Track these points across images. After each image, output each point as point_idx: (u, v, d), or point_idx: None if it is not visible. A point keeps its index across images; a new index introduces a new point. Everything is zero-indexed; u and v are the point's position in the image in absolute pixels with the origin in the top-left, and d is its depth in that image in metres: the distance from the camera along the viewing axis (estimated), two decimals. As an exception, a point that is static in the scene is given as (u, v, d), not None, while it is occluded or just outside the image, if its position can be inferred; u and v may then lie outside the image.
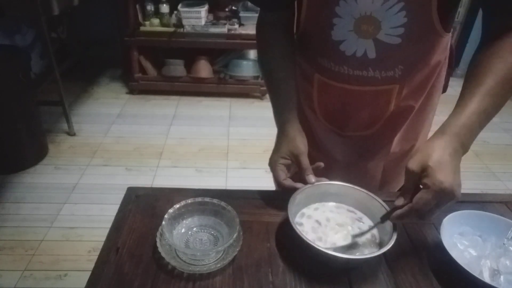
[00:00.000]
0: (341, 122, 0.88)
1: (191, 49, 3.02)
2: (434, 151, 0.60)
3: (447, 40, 0.79)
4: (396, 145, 0.88)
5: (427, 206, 0.59)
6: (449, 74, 0.89)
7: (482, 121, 0.63)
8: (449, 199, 0.59)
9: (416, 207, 0.59)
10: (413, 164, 0.60)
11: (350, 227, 0.70)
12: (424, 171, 0.59)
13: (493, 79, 0.63)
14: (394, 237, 0.62)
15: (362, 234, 0.68)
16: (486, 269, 0.63)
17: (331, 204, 0.75)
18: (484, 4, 0.68)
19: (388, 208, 0.68)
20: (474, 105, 0.62)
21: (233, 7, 3.09)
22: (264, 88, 3.23)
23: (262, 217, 0.75)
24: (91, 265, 0.62)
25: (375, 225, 0.68)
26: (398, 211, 0.62)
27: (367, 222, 0.71)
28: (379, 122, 0.85)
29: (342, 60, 0.77)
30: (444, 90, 0.92)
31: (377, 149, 0.89)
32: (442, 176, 0.57)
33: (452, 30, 0.79)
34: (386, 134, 0.87)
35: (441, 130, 0.63)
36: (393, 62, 0.75)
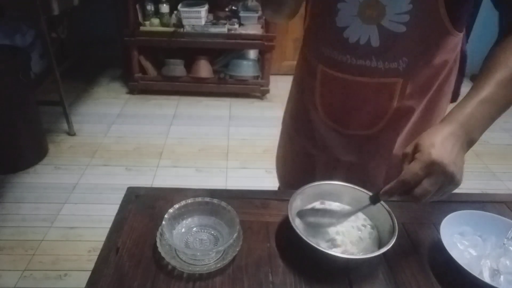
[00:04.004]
0: (343, 119, 0.87)
1: (191, 49, 3.02)
2: (428, 133, 0.60)
3: (457, 41, 0.77)
4: (398, 148, 0.87)
5: (414, 177, 0.56)
6: (459, 82, 0.88)
7: (491, 111, 0.62)
8: (442, 176, 0.56)
9: (402, 178, 0.58)
10: (407, 147, 0.61)
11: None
12: (416, 150, 0.59)
13: (505, 71, 0.62)
14: (394, 237, 0.62)
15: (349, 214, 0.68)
16: (486, 269, 0.63)
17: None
18: (496, 2, 0.69)
19: (388, 209, 0.68)
20: (482, 94, 0.62)
21: (233, 7, 3.08)
22: (264, 88, 3.24)
23: (262, 217, 0.75)
24: (91, 265, 0.62)
25: (364, 207, 0.66)
26: (386, 186, 0.60)
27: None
28: (380, 122, 0.84)
29: (345, 48, 0.76)
30: (455, 99, 0.91)
31: (378, 150, 0.89)
32: (432, 149, 0.56)
33: (464, 32, 0.78)
34: (387, 135, 0.86)
35: (443, 119, 0.63)
36: (397, 53, 0.74)
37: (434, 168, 0.56)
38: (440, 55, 0.76)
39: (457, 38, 0.76)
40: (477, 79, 0.66)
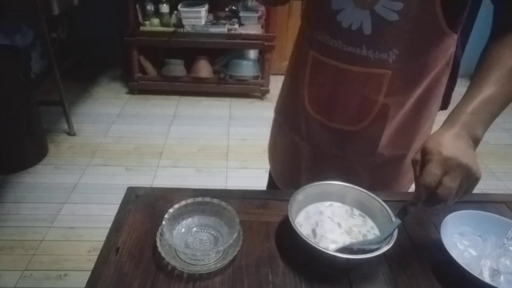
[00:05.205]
0: (328, 111, 0.86)
1: (191, 49, 3.02)
2: (432, 137, 0.61)
3: (450, 43, 0.77)
4: (384, 146, 0.85)
5: (433, 177, 0.57)
6: (451, 89, 0.88)
7: (492, 109, 0.63)
8: (458, 169, 0.57)
9: (422, 182, 0.58)
10: (415, 155, 0.62)
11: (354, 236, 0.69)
12: (425, 154, 0.60)
13: (504, 69, 0.64)
14: (394, 237, 0.62)
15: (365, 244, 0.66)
16: (486, 269, 0.63)
17: (337, 205, 0.75)
18: None
19: (388, 209, 0.68)
20: (482, 93, 0.63)
21: (233, 7, 3.09)
22: (264, 88, 3.24)
23: (262, 217, 0.75)
24: (91, 265, 0.62)
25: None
26: (409, 197, 0.61)
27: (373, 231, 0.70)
28: (365, 119, 0.83)
29: (338, 33, 0.76)
30: (445, 106, 0.90)
31: (362, 147, 0.87)
32: (441, 148, 0.58)
33: (458, 37, 0.78)
34: (371, 134, 0.84)
35: (445, 121, 0.64)
36: (388, 42, 0.73)
37: (449, 164, 0.57)
38: (430, 53, 0.76)
39: (451, 39, 0.75)
40: (475, 77, 0.67)
